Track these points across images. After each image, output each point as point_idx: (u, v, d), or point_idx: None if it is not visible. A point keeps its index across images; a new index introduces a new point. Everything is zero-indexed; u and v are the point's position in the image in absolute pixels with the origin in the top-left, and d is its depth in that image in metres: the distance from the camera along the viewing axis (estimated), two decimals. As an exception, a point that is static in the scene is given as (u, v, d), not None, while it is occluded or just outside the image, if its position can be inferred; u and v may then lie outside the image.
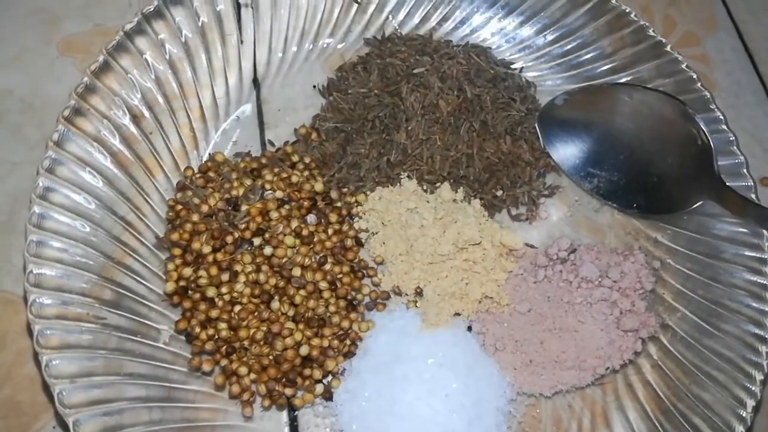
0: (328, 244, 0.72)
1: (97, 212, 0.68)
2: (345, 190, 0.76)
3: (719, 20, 1.00)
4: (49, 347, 0.60)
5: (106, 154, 0.71)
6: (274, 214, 0.71)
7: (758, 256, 0.72)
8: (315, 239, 0.71)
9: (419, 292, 0.72)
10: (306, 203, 0.73)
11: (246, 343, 0.67)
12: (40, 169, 0.66)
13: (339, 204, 0.75)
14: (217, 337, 0.67)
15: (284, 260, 0.69)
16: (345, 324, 0.70)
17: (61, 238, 0.65)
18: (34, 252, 0.63)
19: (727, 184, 0.72)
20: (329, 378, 0.69)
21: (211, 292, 0.67)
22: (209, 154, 0.78)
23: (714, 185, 0.72)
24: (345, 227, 0.74)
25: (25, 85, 0.83)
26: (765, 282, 0.70)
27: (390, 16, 0.87)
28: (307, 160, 0.78)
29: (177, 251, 0.69)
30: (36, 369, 0.68)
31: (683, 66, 0.81)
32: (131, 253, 0.69)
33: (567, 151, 0.81)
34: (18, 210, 0.76)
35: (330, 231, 0.73)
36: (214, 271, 0.68)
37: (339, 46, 0.86)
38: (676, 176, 0.76)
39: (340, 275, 0.71)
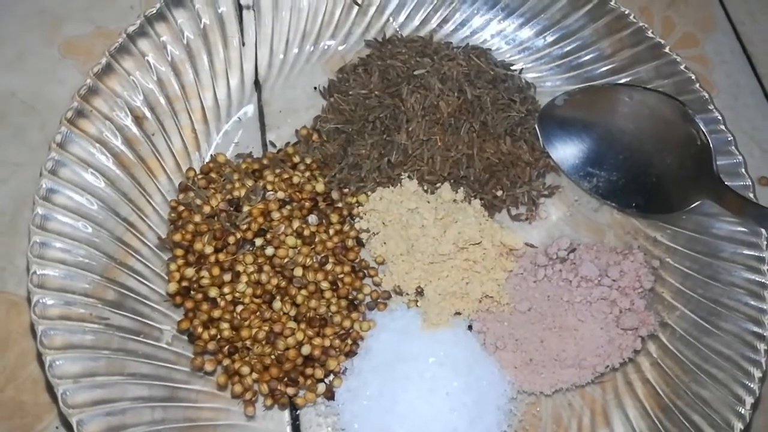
0: (329, 244, 0.72)
1: (99, 213, 0.68)
2: (346, 190, 0.77)
3: (718, 22, 1.00)
4: (53, 347, 0.61)
5: (108, 155, 0.71)
6: (275, 215, 0.71)
7: (757, 254, 0.72)
8: (316, 239, 0.72)
9: (420, 292, 0.73)
10: (307, 204, 0.73)
11: (248, 342, 0.67)
12: (43, 170, 0.67)
13: (340, 204, 0.76)
14: (219, 337, 0.68)
15: (286, 260, 0.69)
16: (346, 323, 0.70)
17: (64, 239, 0.65)
18: (38, 253, 0.63)
19: (726, 183, 0.72)
20: (331, 377, 0.69)
21: (213, 292, 0.68)
22: (211, 155, 0.78)
23: (713, 185, 0.72)
24: (346, 227, 0.75)
25: (27, 87, 0.84)
26: (763, 280, 0.71)
27: (391, 18, 0.88)
28: (308, 161, 0.78)
29: (179, 252, 0.70)
30: (39, 369, 0.69)
31: (682, 67, 0.81)
32: (134, 253, 0.70)
33: (567, 151, 0.81)
34: (21, 211, 0.76)
35: (331, 231, 0.73)
36: (216, 271, 0.68)
37: (340, 47, 0.87)
38: (676, 176, 0.76)
39: (342, 275, 0.72)
